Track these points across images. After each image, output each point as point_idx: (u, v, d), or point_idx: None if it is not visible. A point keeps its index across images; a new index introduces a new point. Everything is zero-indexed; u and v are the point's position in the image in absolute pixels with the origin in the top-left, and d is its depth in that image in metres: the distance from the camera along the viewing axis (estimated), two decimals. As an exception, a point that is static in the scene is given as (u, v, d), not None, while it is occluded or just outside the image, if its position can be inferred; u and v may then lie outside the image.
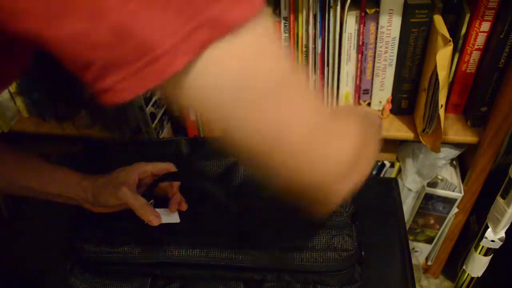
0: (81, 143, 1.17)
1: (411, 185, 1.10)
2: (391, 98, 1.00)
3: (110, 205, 0.64)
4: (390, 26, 0.89)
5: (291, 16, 0.91)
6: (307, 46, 0.95)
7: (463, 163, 1.09)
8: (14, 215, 0.95)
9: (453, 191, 1.06)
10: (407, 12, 0.86)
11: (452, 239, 1.17)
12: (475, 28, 0.86)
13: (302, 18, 0.91)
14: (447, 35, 0.80)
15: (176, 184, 0.68)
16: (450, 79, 0.94)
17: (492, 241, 0.88)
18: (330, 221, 0.65)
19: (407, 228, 1.04)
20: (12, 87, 1.05)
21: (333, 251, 0.65)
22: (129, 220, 0.66)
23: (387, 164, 1.12)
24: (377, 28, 0.91)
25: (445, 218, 1.12)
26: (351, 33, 0.93)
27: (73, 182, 0.64)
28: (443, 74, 0.81)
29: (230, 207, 0.68)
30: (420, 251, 1.23)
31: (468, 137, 0.96)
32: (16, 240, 0.86)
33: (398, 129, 0.99)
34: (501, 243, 0.88)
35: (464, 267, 0.99)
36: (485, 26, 0.85)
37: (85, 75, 0.28)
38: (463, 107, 1.00)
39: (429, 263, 1.27)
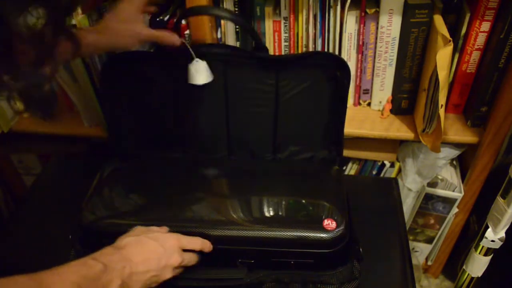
0: (81, 143, 1.17)
1: (411, 185, 1.10)
2: (391, 98, 1.00)
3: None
4: (390, 26, 0.89)
5: (291, 16, 0.91)
6: (307, 46, 0.95)
7: (463, 163, 1.09)
8: (15, 216, 0.95)
9: (453, 191, 1.06)
10: (407, 12, 0.86)
11: (452, 239, 1.17)
12: (475, 28, 0.86)
13: (302, 18, 0.91)
14: (447, 35, 0.80)
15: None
16: (450, 79, 0.94)
17: (492, 241, 0.88)
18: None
19: (407, 228, 1.04)
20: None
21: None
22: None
23: (387, 164, 1.12)
24: (377, 28, 0.91)
25: (445, 218, 1.12)
26: (351, 33, 0.93)
27: None
28: (443, 74, 0.81)
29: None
30: (420, 251, 1.23)
31: (468, 137, 0.96)
32: (17, 241, 0.86)
33: (398, 129, 0.99)
34: (501, 243, 0.88)
35: (464, 267, 0.99)
36: (485, 26, 0.85)
37: None
38: (463, 107, 1.00)
39: (429, 263, 1.27)
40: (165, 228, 0.67)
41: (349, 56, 0.96)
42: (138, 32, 0.74)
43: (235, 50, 0.79)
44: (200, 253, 0.67)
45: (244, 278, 0.69)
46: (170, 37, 0.76)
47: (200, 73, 0.78)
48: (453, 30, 0.88)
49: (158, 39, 0.76)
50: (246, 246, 0.69)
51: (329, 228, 0.68)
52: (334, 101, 0.81)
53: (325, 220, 0.69)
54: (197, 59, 0.77)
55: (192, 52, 0.77)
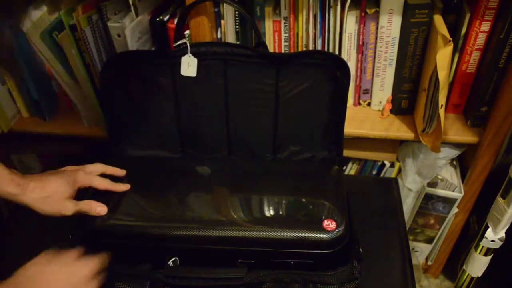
0: (80, 143, 1.17)
1: (411, 185, 1.10)
2: (391, 98, 1.00)
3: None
4: (390, 26, 0.89)
5: (291, 16, 0.91)
6: (307, 46, 0.95)
7: (463, 163, 1.09)
8: (15, 216, 0.95)
9: (453, 191, 1.06)
10: (407, 12, 0.86)
11: (452, 239, 1.17)
12: (475, 28, 0.86)
13: (302, 18, 0.91)
14: (447, 35, 0.80)
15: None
16: (450, 79, 0.94)
17: (492, 241, 0.88)
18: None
19: (407, 228, 1.04)
20: (12, 87, 1.05)
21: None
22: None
23: (387, 164, 1.12)
24: (377, 28, 0.91)
25: (445, 218, 1.12)
26: (351, 33, 0.93)
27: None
28: (443, 74, 0.81)
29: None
30: (420, 251, 1.23)
31: (468, 137, 0.96)
32: (17, 241, 0.86)
33: (398, 129, 0.99)
34: (501, 243, 0.88)
35: (464, 267, 0.99)
36: (485, 26, 0.85)
37: None
38: (463, 107, 1.00)
39: (429, 263, 1.27)
40: (76, 252, 0.62)
41: (349, 56, 0.96)
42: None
43: (234, 46, 0.79)
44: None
45: (244, 278, 0.69)
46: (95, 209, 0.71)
47: (189, 67, 0.80)
48: (453, 30, 0.88)
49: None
50: (246, 246, 0.69)
51: (329, 229, 0.68)
52: (334, 101, 0.81)
53: (325, 221, 0.69)
54: (190, 55, 0.79)
55: (189, 47, 0.78)
